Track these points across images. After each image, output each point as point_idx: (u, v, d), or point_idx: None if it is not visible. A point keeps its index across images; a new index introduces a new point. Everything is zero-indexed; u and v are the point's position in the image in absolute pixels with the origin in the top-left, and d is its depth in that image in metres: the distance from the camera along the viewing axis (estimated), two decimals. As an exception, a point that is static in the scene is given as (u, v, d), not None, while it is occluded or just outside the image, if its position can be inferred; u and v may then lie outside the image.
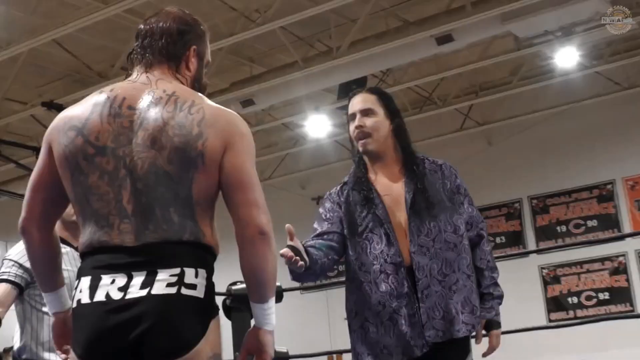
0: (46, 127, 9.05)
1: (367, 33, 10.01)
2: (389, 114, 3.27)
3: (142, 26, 2.47)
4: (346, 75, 10.36)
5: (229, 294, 4.62)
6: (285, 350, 4.82)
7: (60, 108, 10.09)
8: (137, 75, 2.41)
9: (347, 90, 11.09)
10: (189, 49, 2.45)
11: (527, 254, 12.97)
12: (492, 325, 3.24)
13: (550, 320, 12.66)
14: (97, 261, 2.22)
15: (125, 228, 2.21)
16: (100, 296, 2.17)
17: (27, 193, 2.42)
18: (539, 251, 13.21)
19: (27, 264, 3.52)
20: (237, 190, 2.28)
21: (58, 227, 3.68)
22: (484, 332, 3.26)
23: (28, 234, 2.41)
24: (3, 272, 3.59)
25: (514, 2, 8.55)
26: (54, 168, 2.33)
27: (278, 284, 4.87)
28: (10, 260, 3.62)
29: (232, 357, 4.88)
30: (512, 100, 12.80)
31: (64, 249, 3.64)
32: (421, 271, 3.07)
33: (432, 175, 3.25)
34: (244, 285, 4.66)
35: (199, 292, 2.19)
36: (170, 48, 2.41)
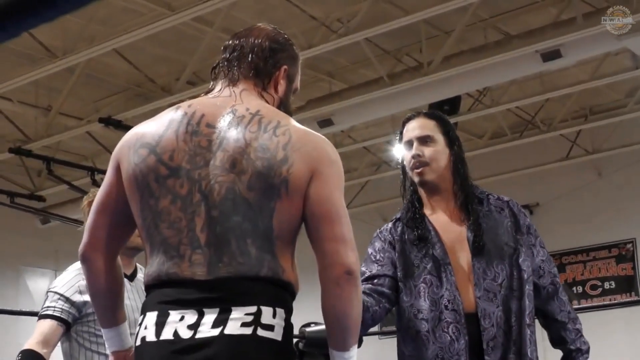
0: (103, 145, 9.25)
1: (462, 47, 9.96)
2: (449, 142, 3.23)
3: (230, 41, 2.50)
4: (437, 94, 10.31)
5: (302, 336, 4.59)
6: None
7: (118, 124, 10.27)
8: (220, 90, 2.44)
9: (438, 110, 11.06)
10: (280, 69, 2.48)
11: (640, 302, 12.71)
12: None
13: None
14: (164, 295, 2.22)
15: (197, 260, 2.21)
16: (167, 334, 2.16)
17: (90, 216, 2.42)
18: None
19: (75, 297, 3.52)
20: (324, 223, 2.26)
21: None
22: None
23: (90, 262, 2.41)
24: (48, 307, 3.53)
25: (631, 15, 8.44)
26: (121, 189, 2.34)
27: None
28: (55, 292, 3.57)
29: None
30: (627, 126, 12.58)
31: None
32: (487, 319, 3.00)
33: (498, 214, 3.19)
34: (319, 327, 4.63)
35: (277, 335, 2.17)
36: (260, 65, 2.43)
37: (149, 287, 2.29)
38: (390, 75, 10.18)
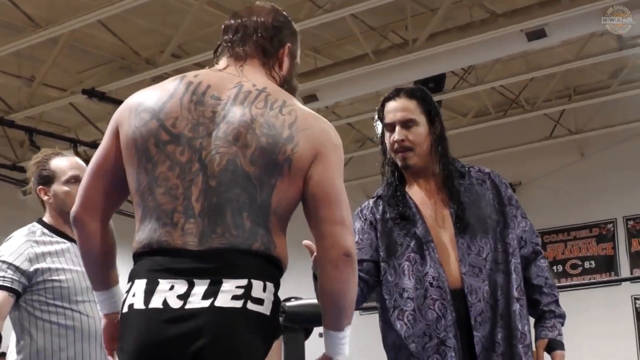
0: (86, 117, 9.21)
1: (448, 25, 9.96)
2: (430, 121, 3.19)
3: (231, 20, 2.51)
4: (422, 72, 10.32)
5: (282, 311, 4.60)
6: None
7: (102, 96, 10.24)
8: (226, 66, 2.44)
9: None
10: (284, 47, 2.50)
11: (619, 281, 12.78)
12: (555, 345, 3.15)
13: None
14: (154, 263, 2.22)
15: (190, 229, 2.21)
16: (156, 303, 2.17)
17: (85, 178, 2.41)
18: (633, 279, 13.02)
19: (25, 265, 3.43)
20: (324, 206, 2.28)
21: (54, 217, 3.61)
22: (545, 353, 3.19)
23: (82, 225, 2.40)
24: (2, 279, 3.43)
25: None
26: (119, 153, 2.34)
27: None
28: (3, 262, 3.46)
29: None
30: (611, 106, 12.62)
31: (64, 244, 3.59)
32: (474, 295, 3.00)
33: (480, 186, 3.18)
34: (299, 302, 4.64)
35: (266, 309, 2.18)
36: (266, 44, 2.46)
37: (139, 255, 2.29)
38: (376, 52, 10.17)
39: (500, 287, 3.04)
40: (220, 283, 2.15)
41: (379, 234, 3.15)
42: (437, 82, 11.09)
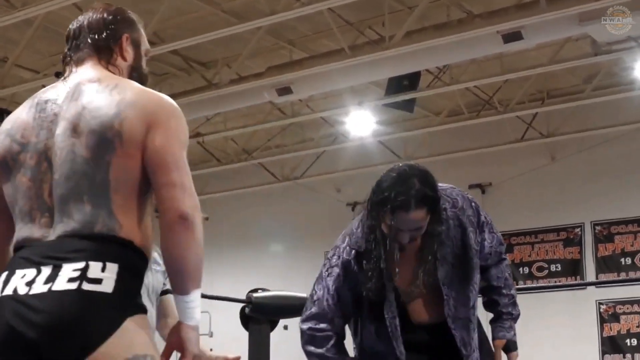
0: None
1: (425, 23, 9.97)
2: (432, 218, 3.11)
3: (70, 26, 2.63)
4: (398, 69, 10.34)
5: (249, 301, 4.61)
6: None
7: (75, 80, 10.17)
8: (68, 74, 2.53)
9: (397, 85, 11.09)
10: (121, 39, 2.58)
11: (584, 286, 12.88)
12: (512, 346, 3.30)
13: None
14: (17, 257, 2.33)
15: (44, 222, 2.32)
16: (8, 290, 2.24)
17: None
18: (598, 284, 13.12)
19: None
20: (160, 171, 2.32)
21: None
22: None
23: None
24: None
25: (594, 2, 8.48)
26: None
27: (303, 294, 4.86)
28: None
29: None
30: (583, 111, 12.70)
31: None
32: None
33: (455, 229, 3.20)
34: (266, 294, 4.65)
35: (106, 287, 2.21)
36: (99, 40, 2.54)
37: (13, 254, 2.38)
38: (352, 47, 10.17)
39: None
40: (60, 268, 2.21)
41: (353, 296, 3.21)
42: (411, 80, 11.11)
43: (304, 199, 15.31)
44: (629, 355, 12.59)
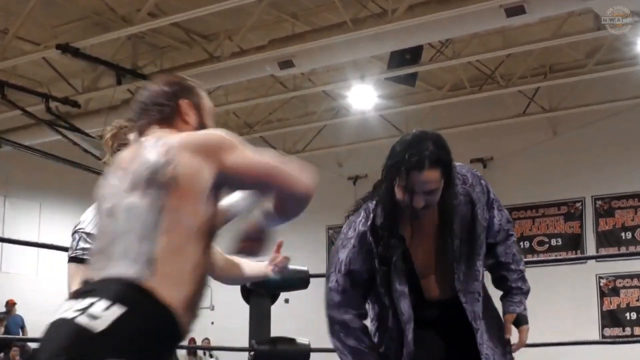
0: (59, 72, 9.13)
1: (427, -4, 9.94)
2: (446, 181, 3.15)
3: (136, 99, 2.75)
4: (400, 43, 10.30)
5: (248, 276, 4.63)
6: (307, 342, 4.83)
7: (76, 52, 10.14)
8: (133, 140, 2.72)
9: (400, 59, 11.05)
10: (180, 105, 2.69)
11: (585, 259, 12.90)
12: (521, 320, 3.31)
13: (603, 337, 12.61)
14: None
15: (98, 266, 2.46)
16: (58, 315, 2.25)
17: None
18: (598, 257, 13.14)
19: None
20: (255, 180, 2.52)
21: None
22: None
23: None
24: (83, 249, 3.38)
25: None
26: None
27: (304, 268, 4.88)
28: (81, 232, 3.43)
29: (248, 344, 4.90)
30: (585, 86, 12.68)
31: None
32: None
33: (465, 205, 3.21)
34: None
35: (97, 325, 2.16)
36: (159, 112, 2.68)
37: None
38: (354, 20, 10.13)
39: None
40: (83, 300, 2.22)
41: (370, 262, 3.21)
42: (414, 54, 11.07)
43: (305, 172, 15.30)
44: (628, 329, 12.65)
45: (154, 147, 2.44)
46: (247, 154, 2.47)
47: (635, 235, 12.86)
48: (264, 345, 4.68)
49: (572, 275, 12.68)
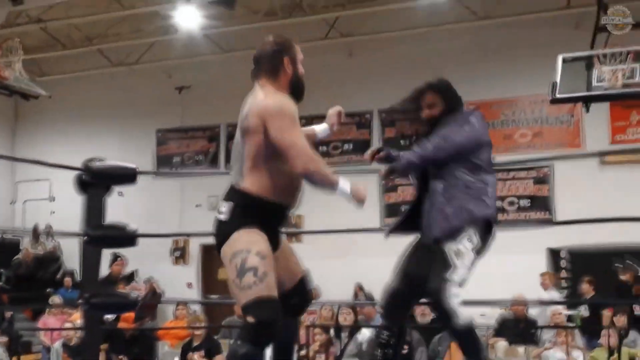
0: None
1: None
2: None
3: (254, 54, 3.66)
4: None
5: (85, 169, 4.55)
6: (135, 229, 4.81)
7: None
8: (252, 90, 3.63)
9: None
10: (283, 61, 3.63)
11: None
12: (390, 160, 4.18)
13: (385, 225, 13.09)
14: None
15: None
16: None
17: None
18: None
19: None
20: (280, 150, 3.46)
21: None
22: None
23: None
24: None
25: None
26: None
27: (134, 166, 4.83)
28: None
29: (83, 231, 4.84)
30: (378, 16, 12.93)
31: None
32: None
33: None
34: (102, 163, 4.61)
35: (223, 216, 3.48)
36: (268, 67, 3.59)
37: None
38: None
39: None
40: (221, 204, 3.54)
41: None
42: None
43: (137, 82, 14.98)
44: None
45: (247, 104, 3.49)
46: (282, 128, 3.37)
47: (412, 141, 13.23)
48: (96, 230, 4.64)
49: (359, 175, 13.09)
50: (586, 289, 10.42)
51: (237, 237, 3.36)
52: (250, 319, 3.20)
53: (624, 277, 11.10)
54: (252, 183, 3.41)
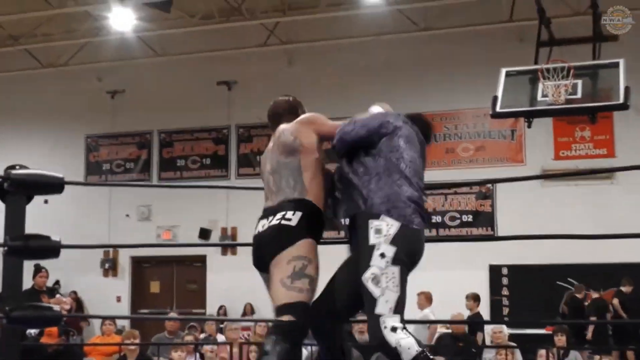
0: None
1: None
2: None
3: (269, 112, 4.26)
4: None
5: (7, 177, 4.37)
6: (58, 240, 4.63)
7: None
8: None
9: None
10: (298, 112, 4.12)
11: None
12: None
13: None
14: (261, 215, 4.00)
15: (272, 198, 4.00)
16: (256, 231, 3.93)
17: None
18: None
19: None
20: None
21: None
22: None
23: None
24: None
25: None
26: None
27: (60, 175, 4.64)
28: None
29: (2, 240, 4.64)
30: (318, 24, 12.86)
31: None
32: None
33: None
34: (24, 171, 4.43)
35: (292, 223, 3.77)
36: (284, 119, 4.10)
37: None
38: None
39: None
40: (275, 215, 3.81)
41: None
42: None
43: (67, 85, 14.63)
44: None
45: (282, 129, 3.96)
46: (327, 124, 3.91)
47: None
48: (17, 240, 4.46)
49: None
50: (470, 305, 10.43)
51: (304, 244, 3.74)
52: (287, 318, 3.67)
53: (579, 295, 11.30)
54: (314, 197, 3.83)
